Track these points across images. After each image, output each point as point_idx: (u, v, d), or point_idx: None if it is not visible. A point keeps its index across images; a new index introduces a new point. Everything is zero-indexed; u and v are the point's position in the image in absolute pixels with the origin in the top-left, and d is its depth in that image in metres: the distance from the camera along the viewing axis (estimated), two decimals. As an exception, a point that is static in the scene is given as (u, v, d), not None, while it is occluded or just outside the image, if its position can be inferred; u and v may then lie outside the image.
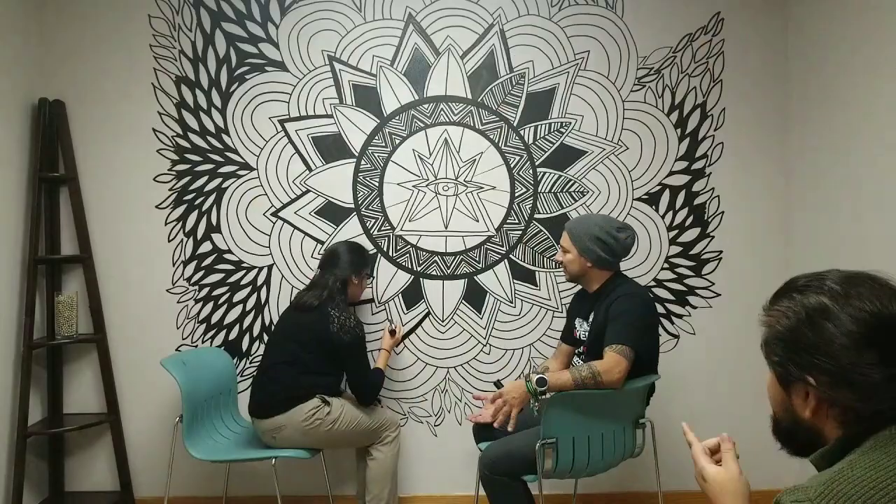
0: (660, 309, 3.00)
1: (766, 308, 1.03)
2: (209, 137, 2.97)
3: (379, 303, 3.00)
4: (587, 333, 2.37)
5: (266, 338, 2.98)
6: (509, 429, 2.16)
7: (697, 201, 3.00)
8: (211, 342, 2.99)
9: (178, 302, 2.99)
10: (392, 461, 2.62)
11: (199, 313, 2.99)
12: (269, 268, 2.99)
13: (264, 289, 2.99)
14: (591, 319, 2.36)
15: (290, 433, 2.46)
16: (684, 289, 3.02)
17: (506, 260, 3.01)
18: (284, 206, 2.99)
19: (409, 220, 2.99)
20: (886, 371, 0.89)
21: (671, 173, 3.00)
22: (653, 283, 3.01)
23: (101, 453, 2.98)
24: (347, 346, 2.49)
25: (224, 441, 2.64)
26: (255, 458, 2.50)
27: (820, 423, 0.95)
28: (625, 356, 2.08)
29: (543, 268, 2.99)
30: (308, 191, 2.99)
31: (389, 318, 2.99)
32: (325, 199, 2.99)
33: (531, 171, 2.99)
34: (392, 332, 2.85)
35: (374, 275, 2.99)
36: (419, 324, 3.01)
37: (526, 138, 2.98)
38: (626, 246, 2.33)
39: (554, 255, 2.97)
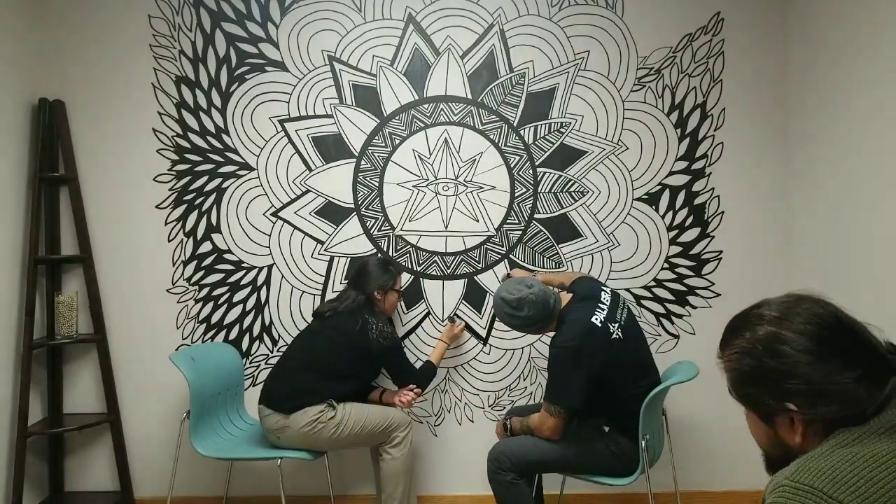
0: (659, 309, 3.00)
1: (721, 355, 1.05)
2: (209, 137, 2.97)
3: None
4: None
5: (273, 337, 2.99)
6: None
7: (697, 201, 3.00)
8: (211, 342, 2.99)
9: (178, 302, 2.99)
10: (403, 462, 2.59)
11: (199, 313, 2.99)
12: (269, 268, 3.00)
13: (264, 289, 2.99)
14: None
15: (294, 435, 2.46)
16: (684, 289, 3.02)
17: (506, 260, 3.01)
18: (284, 206, 2.99)
19: (409, 220, 2.99)
20: (853, 373, 0.91)
21: (671, 173, 3.00)
22: (653, 283, 3.01)
23: (101, 453, 2.98)
24: (389, 350, 2.59)
25: (230, 438, 2.64)
26: (261, 457, 2.50)
27: (811, 444, 0.96)
28: (550, 413, 2.23)
29: (543, 268, 2.99)
30: (308, 191, 2.99)
31: (455, 313, 3.00)
32: (325, 199, 2.99)
33: (531, 171, 2.99)
34: (452, 319, 2.93)
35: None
36: (419, 324, 3.02)
37: (526, 138, 2.98)
38: (535, 309, 2.27)
39: (554, 255, 2.99)
